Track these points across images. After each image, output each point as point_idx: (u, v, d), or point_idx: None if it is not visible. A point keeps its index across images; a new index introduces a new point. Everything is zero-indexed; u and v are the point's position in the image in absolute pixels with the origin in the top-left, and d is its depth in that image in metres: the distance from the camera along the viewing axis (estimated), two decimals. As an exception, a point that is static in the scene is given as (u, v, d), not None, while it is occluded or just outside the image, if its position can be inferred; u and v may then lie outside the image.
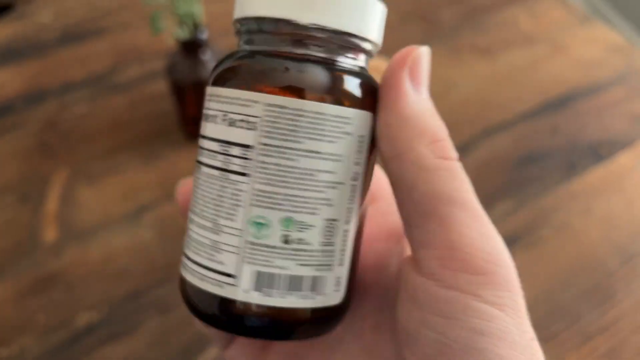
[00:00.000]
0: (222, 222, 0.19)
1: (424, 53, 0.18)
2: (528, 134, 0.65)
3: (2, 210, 0.58)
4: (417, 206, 0.18)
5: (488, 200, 0.59)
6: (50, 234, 0.57)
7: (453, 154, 0.19)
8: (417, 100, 0.18)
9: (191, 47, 0.58)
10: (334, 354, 0.22)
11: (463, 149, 0.64)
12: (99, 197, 0.60)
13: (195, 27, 0.57)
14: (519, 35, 0.78)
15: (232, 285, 0.19)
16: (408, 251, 0.21)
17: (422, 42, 0.72)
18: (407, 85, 0.18)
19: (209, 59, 0.60)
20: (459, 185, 0.18)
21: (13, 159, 0.63)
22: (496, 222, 0.58)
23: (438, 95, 0.71)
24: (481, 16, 0.81)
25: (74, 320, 0.50)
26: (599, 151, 0.64)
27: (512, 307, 0.17)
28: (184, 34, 0.54)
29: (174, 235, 0.56)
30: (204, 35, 0.57)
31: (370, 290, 0.22)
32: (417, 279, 0.18)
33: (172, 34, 0.53)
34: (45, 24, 0.81)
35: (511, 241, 0.55)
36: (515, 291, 0.17)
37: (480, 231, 0.18)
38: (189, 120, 0.65)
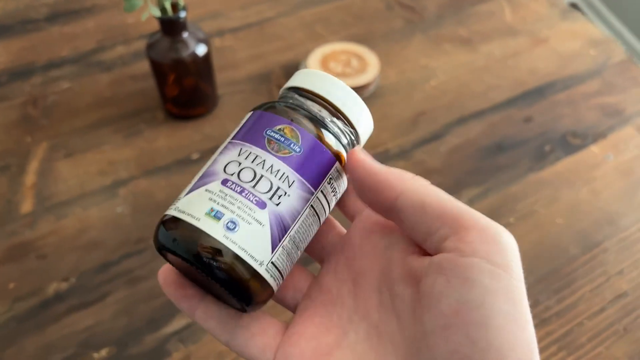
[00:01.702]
0: None
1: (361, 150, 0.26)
2: (502, 123, 0.66)
3: (-19, 180, 0.60)
4: (430, 214, 0.22)
5: (456, 186, 0.60)
6: (26, 205, 0.58)
7: (428, 182, 0.24)
8: (379, 163, 0.25)
9: (170, 27, 0.59)
10: (346, 335, 0.25)
11: (437, 135, 0.65)
12: (77, 171, 0.61)
13: (175, 6, 0.58)
14: (501, 27, 0.79)
15: None
16: (402, 243, 0.25)
17: (404, 31, 0.73)
18: (371, 158, 0.25)
19: (187, 38, 0.61)
20: (449, 195, 0.23)
21: (-6, 132, 0.65)
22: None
23: (417, 82, 0.72)
24: (465, 7, 0.82)
25: (44, 289, 0.52)
26: (571, 142, 0.64)
27: (515, 269, 0.21)
28: (156, 12, 0.55)
29: (147, 209, 0.58)
30: (183, 15, 0.58)
31: (368, 274, 0.25)
32: (443, 256, 0.21)
33: (144, 13, 0.54)
34: (35, 1, 0.82)
35: (476, 226, 0.57)
36: (517, 257, 0.21)
37: (481, 215, 0.22)
38: (168, 99, 0.66)
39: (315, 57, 0.69)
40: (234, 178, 0.25)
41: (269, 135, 0.26)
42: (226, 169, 0.25)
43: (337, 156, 0.27)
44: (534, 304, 0.51)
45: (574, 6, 1.85)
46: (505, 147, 0.64)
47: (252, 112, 0.28)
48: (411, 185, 0.24)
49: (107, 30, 0.78)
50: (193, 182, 0.26)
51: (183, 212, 0.24)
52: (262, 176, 0.25)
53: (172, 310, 0.50)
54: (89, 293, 0.52)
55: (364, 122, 0.28)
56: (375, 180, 0.24)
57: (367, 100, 0.67)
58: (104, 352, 0.48)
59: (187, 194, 0.26)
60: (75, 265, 0.54)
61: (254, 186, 0.24)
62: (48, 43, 0.76)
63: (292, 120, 0.26)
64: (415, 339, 0.22)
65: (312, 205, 0.26)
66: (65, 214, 0.57)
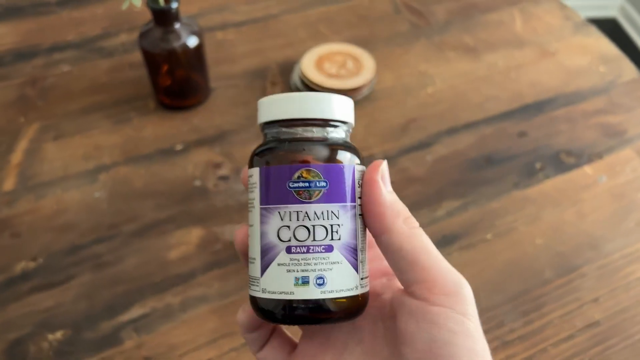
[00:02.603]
0: None
1: (386, 164, 0.28)
2: (494, 136, 0.64)
3: (-30, 156, 0.61)
4: (405, 259, 0.26)
5: (436, 197, 0.58)
6: (8, 182, 0.59)
7: (417, 223, 0.27)
8: (388, 194, 0.27)
9: (162, 17, 0.60)
10: (342, 356, 0.29)
11: (425, 144, 0.63)
12: (63, 153, 0.62)
13: (167, -3, 0.58)
14: (508, 37, 0.77)
15: None
16: (397, 285, 0.29)
17: (408, 35, 0.72)
18: (382, 185, 0.27)
19: (179, 29, 0.61)
20: (427, 241, 0.27)
21: (-10, 109, 0.66)
22: (439, 219, 0.58)
23: (413, 89, 0.71)
24: (475, 15, 0.80)
25: (12, 267, 0.53)
26: (564, 160, 0.62)
27: (472, 315, 0.25)
28: (136, 2, 0.55)
29: (123, 196, 0.58)
30: (175, 5, 0.59)
31: (368, 310, 0.29)
32: (413, 301, 0.26)
33: (124, 2, 0.54)
34: (49, -15, 0.83)
35: (450, 240, 0.55)
36: (473, 304, 0.26)
37: (446, 268, 0.26)
38: (160, 89, 0.66)
39: (310, 57, 0.69)
40: (294, 242, 0.27)
41: (293, 188, 0.27)
42: (281, 237, 0.27)
43: (354, 159, 0.28)
44: (498, 325, 0.50)
45: (594, 21, 1.79)
46: (494, 161, 0.62)
47: (257, 168, 0.28)
48: (398, 227, 0.27)
49: (114, 17, 0.79)
50: (257, 257, 0.28)
51: (274, 292, 0.27)
52: (313, 227, 0.27)
53: (132, 299, 0.51)
54: (54, 274, 0.52)
55: (348, 108, 0.29)
56: (374, 209, 0.27)
57: (359, 103, 0.66)
58: (58, 334, 0.48)
59: (262, 273, 0.28)
60: (46, 246, 0.54)
61: (313, 239, 0.27)
62: (56, 26, 0.78)
63: (303, 161, 0.27)
64: None
65: (359, 214, 0.28)
66: (44, 194, 0.58)
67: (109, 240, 0.55)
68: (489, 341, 0.49)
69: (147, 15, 0.78)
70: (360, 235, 0.28)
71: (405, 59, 0.73)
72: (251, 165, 0.28)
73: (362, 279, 0.28)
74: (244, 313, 0.30)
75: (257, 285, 0.28)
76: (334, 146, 0.28)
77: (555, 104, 0.68)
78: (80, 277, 0.52)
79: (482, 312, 0.50)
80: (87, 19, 0.79)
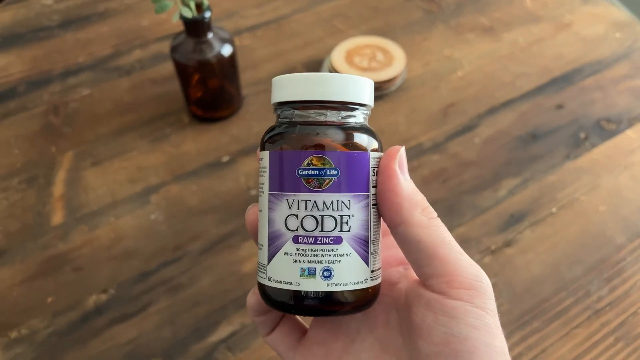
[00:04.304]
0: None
1: (403, 150, 0.27)
2: (533, 111, 0.65)
3: (9, 193, 0.58)
4: (423, 252, 0.25)
5: (494, 178, 0.59)
6: (56, 216, 0.56)
7: (435, 214, 0.27)
8: (406, 183, 0.26)
9: (195, 28, 0.58)
10: (354, 344, 0.29)
11: (469, 127, 0.64)
12: (105, 179, 0.60)
13: (199, 7, 0.57)
14: (522, 14, 0.78)
15: None
16: (414, 275, 0.28)
17: (423, 22, 0.72)
18: (399, 173, 0.26)
19: (212, 39, 0.59)
20: (445, 233, 0.26)
21: (18, 142, 0.63)
22: (503, 199, 0.58)
23: (443, 74, 0.71)
24: (484, -5, 0.81)
25: (83, 302, 0.50)
26: (605, 127, 0.63)
27: (492, 309, 0.25)
28: (187, 12, 0.54)
29: (181, 215, 0.56)
30: (208, 15, 0.57)
31: (382, 298, 0.29)
32: (431, 294, 0.25)
33: (174, 14, 0.53)
34: (46, 8, 0.80)
35: (519, 218, 0.55)
36: (492, 298, 0.25)
37: (466, 261, 0.25)
38: (192, 100, 0.64)
39: (339, 53, 0.68)
40: (301, 232, 0.25)
41: (302, 175, 0.25)
42: (288, 225, 0.26)
43: (370, 145, 0.26)
44: (585, 295, 0.50)
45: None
46: (539, 136, 0.63)
47: (267, 152, 0.27)
48: (416, 219, 0.26)
49: (121, 34, 0.76)
50: (265, 244, 0.27)
51: (280, 281, 0.26)
52: (322, 217, 0.25)
53: (217, 318, 0.49)
54: (129, 304, 0.50)
55: (366, 90, 0.27)
56: (390, 199, 0.26)
57: (394, 93, 0.66)
58: (151, 364, 0.47)
59: (269, 261, 0.27)
60: (112, 276, 0.52)
61: (321, 230, 0.25)
62: (63, 50, 0.75)
63: (314, 147, 0.25)
64: (413, 358, 0.26)
65: (372, 204, 0.26)
66: (97, 224, 0.56)
67: (177, 262, 0.53)
68: (581, 313, 0.49)
69: (156, 30, 0.76)
70: (372, 226, 0.27)
71: (427, 46, 0.73)
72: (262, 148, 0.27)
73: (372, 271, 0.27)
74: (254, 296, 0.30)
75: (265, 273, 0.27)
76: (349, 131, 0.26)
77: (583, 74, 0.69)
78: (157, 303, 0.51)
79: (567, 284, 0.51)
80: (93, 39, 0.76)
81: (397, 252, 0.30)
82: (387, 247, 0.31)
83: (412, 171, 0.51)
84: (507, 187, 0.58)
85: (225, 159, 0.61)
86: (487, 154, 0.61)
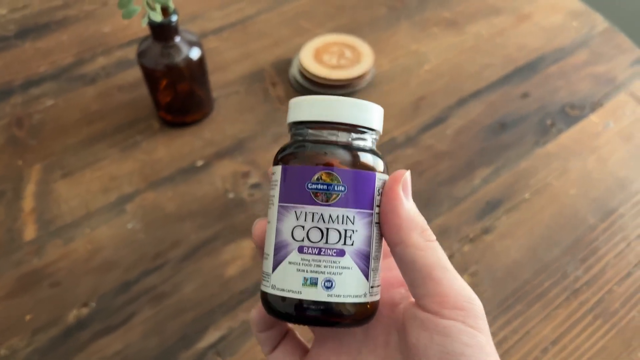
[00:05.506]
0: None
1: (409, 174, 0.28)
2: (500, 101, 0.67)
3: (-24, 210, 0.56)
4: (418, 273, 0.27)
5: (467, 168, 0.60)
6: (29, 231, 0.55)
7: (434, 237, 0.28)
8: (408, 205, 0.27)
9: (162, 32, 0.57)
10: None
11: (440, 119, 0.65)
12: (77, 190, 0.58)
13: (165, 10, 0.56)
14: (483, 7, 0.79)
15: None
16: (410, 297, 0.29)
17: (388, 18, 0.73)
18: (402, 196, 0.27)
19: (180, 43, 0.59)
20: (441, 256, 0.27)
21: (-18, 158, 0.61)
22: (478, 188, 0.59)
23: (412, 68, 0.72)
24: (445, -11, 0.82)
25: (63, 317, 0.49)
26: (570, 113, 0.65)
27: (484, 329, 0.26)
28: (156, 17, 0.53)
29: (159, 222, 0.55)
30: (175, 19, 0.56)
31: (381, 319, 0.30)
32: (425, 315, 0.26)
33: (143, 18, 0.52)
34: (1, 18, 0.77)
35: (494, 205, 0.57)
36: (484, 319, 0.26)
37: (459, 284, 0.26)
38: (162, 106, 0.64)
39: (307, 52, 0.68)
40: (306, 242, 0.27)
41: (311, 189, 0.27)
42: (294, 236, 0.27)
43: (377, 167, 0.28)
44: (563, 276, 0.52)
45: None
46: (507, 125, 0.64)
47: (280, 166, 0.28)
48: (413, 240, 0.27)
49: (83, 41, 0.75)
50: (271, 254, 0.28)
51: (282, 289, 0.27)
52: (327, 229, 0.27)
53: (205, 324, 0.49)
54: (112, 316, 0.49)
55: (375, 116, 0.29)
56: (391, 219, 0.27)
57: (365, 90, 0.67)
58: (140, 376, 0.46)
59: (273, 270, 0.28)
60: (92, 289, 0.51)
61: (326, 242, 0.27)
62: (22, 60, 0.72)
63: (324, 164, 0.27)
64: None
65: (375, 222, 0.28)
66: (72, 237, 0.54)
67: (159, 270, 0.52)
68: (561, 293, 0.51)
69: (119, 36, 0.74)
70: (374, 244, 0.28)
71: (394, 41, 0.74)
72: (275, 163, 0.29)
73: (372, 287, 0.28)
74: (257, 312, 0.31)
75: (268, 282, 0.28)
76: (357, 152, 0.28)
77: (546, 62, 0.71)
78: (141, 313, 0.50)
79: (546, 266, 0.52)
80: (54, 48, 0.74)
81: (399, 274, 0.31)
82: (390, 268, 0.32)
83: (389, 165, 0.52)
84: (481, 176, 0.59)
85: (200, 163, 0.61)
86: (459, 145, 0.62)
